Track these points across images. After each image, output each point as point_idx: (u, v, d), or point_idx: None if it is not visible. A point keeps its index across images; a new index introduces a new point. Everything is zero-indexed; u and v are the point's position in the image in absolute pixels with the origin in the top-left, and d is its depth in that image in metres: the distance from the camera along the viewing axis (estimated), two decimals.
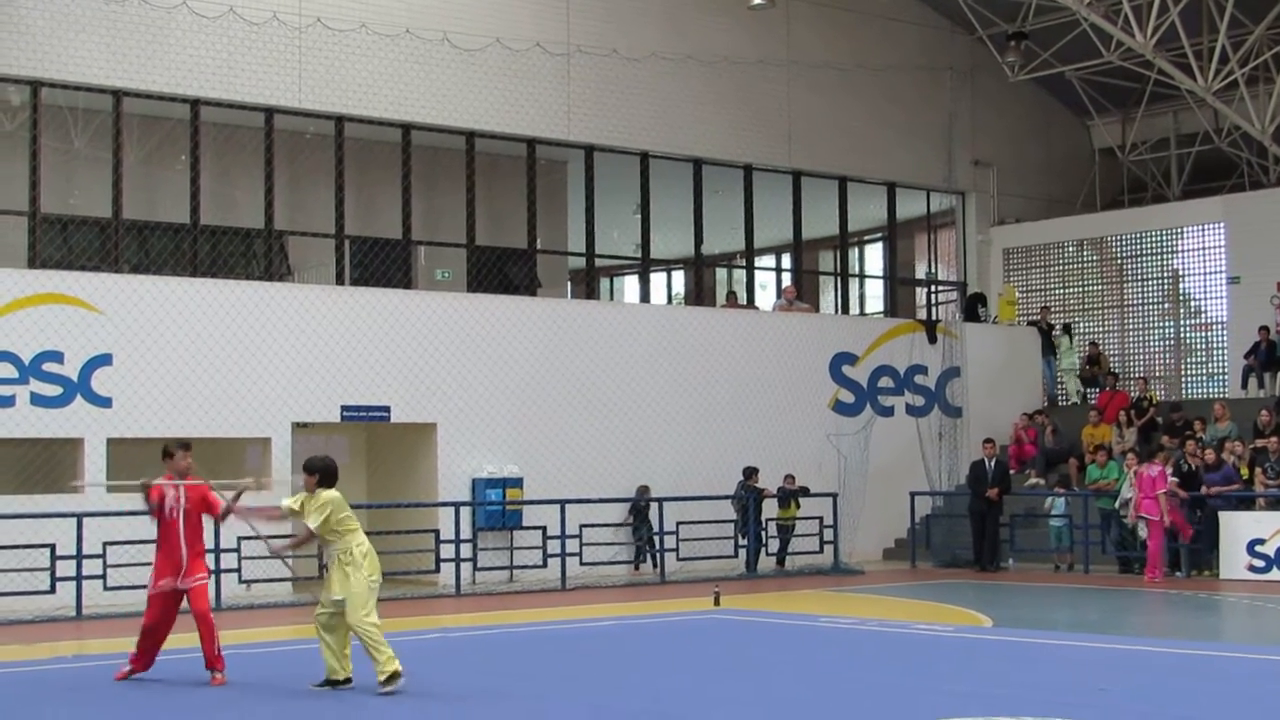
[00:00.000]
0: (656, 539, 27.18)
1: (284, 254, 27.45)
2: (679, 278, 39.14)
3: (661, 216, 31.25)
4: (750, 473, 28.14)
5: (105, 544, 21.68)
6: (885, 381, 31.81)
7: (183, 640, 14.56)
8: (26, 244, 24.51)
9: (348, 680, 13.55)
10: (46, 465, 23.59)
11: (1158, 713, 12.02)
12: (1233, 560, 25.36)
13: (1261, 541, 25.09)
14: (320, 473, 13.84)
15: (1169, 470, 25.98)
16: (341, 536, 13.56)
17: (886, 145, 33.52)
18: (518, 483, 26.63)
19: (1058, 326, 34.68)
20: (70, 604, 21.35)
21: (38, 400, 23.00)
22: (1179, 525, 25.80)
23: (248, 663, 14.60)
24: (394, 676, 13.09)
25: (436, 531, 25.14)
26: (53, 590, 21.68)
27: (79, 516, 21.50)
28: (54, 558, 21.69)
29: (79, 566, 21.39)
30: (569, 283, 33.28)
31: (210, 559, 22.04)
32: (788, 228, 33.04)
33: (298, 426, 25.40)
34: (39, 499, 22.70)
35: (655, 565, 27.34)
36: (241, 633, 18.48)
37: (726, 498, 28.25)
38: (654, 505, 27.26)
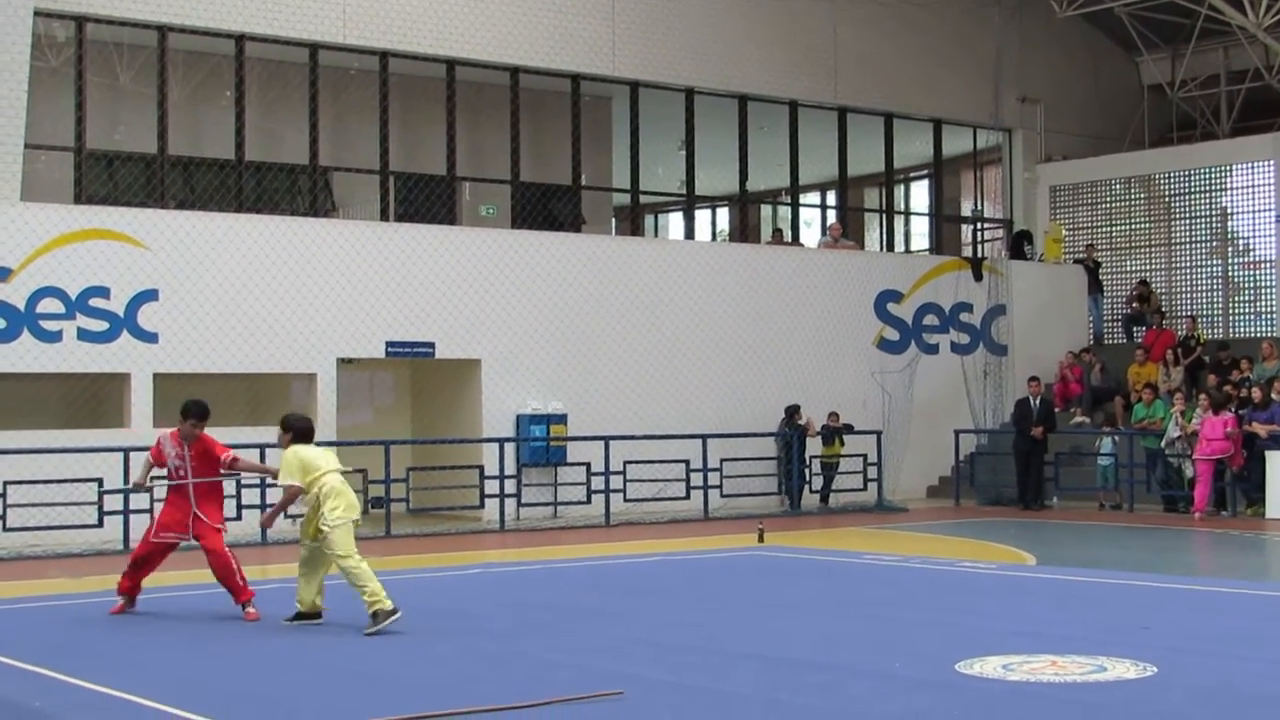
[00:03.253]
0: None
1: (329, 190, 27.48)
2: (724, 214, 39.07)
3: (706, 153, 31.15)
4: (793, 410, 28.15)
5: (152, 478, 21.71)
6: (930, 319, 31.70)
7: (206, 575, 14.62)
8: (73, 180, 24.61)
9: (317, 615, 13.66)
10: (94, 400, 23.77)
11: (1201, 650, 11.99)
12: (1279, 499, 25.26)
13: None
14: (294, 431, 13.95)
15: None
16: (310, 486, 13.60)
17: (932, 82, 33.29)
18: (562, 419, 26.68)
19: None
20: (117, 538, 21.48)
21: (84, 336, 23.11)
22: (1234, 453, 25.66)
23: (276, 598, 14.65)
24: (380, 614, 12.97)
25: (481, 467, 25.23)
26: (100, 524, 21.83)
27: (125, 451, 21.58)
28: (101, 492, 21.84)
29: (126, 500, 21.51)
30: (613, 219, 33.20)
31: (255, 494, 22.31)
32: (833, 164, 32.89)
33: (343, 362, 25.48)
34: (86, 434, 22.85)
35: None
36: (271, 568, 18.60)
37: (771, 435, 28.28)
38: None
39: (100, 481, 21.79)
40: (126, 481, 21.27)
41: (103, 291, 23.28)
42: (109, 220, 23.54)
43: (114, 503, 21.73)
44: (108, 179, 25.51)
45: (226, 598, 14.32)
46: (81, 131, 24.49)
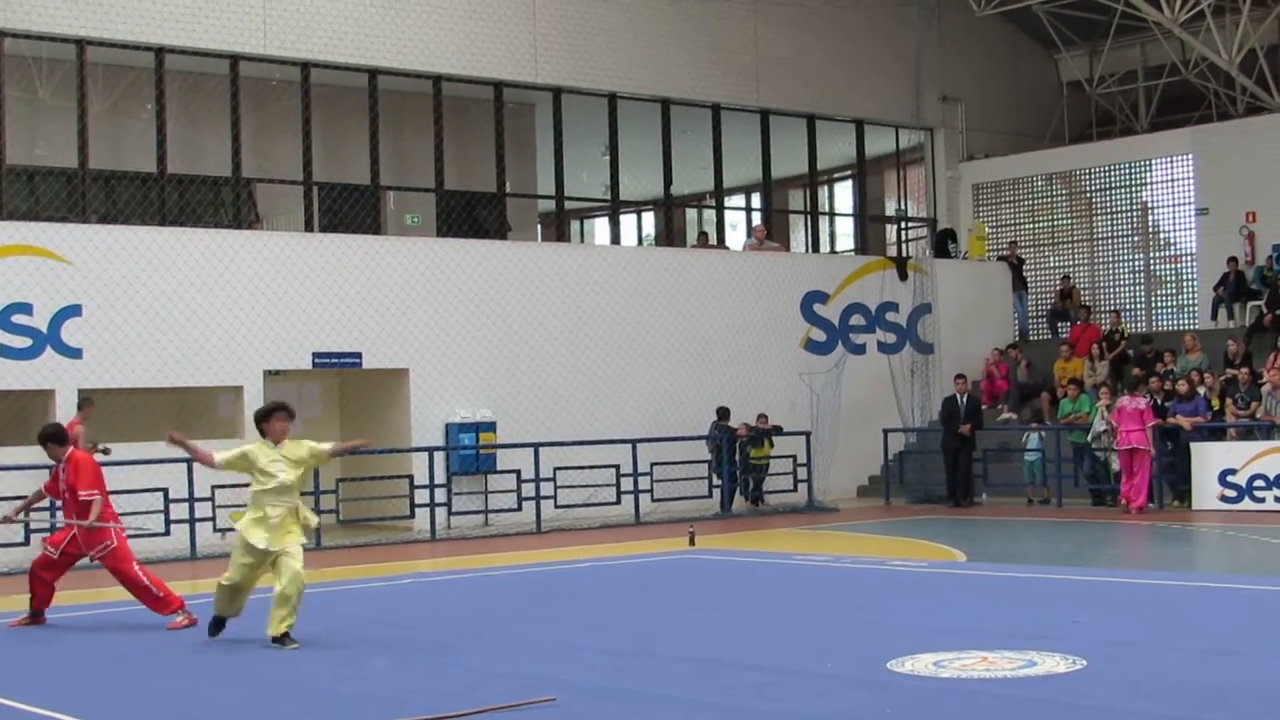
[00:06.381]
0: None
1: (252, 201, 27.33)
2: (649, 219, 39.10)
3: (630, 158, 31.16)
4: (724, 413, 28.21)
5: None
6: (857, 319, 31.84)
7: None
8: None
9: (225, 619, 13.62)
10: (18, 418, 23.52)
11: (1130, 643, 12.09)
12: (1204, 491, 25.50)
13: (1233, 472, 25.22)
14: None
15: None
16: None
17: (854, 82, 33.41)
18: (491, 427, 26.64)
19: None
20: None
21: (7, 352, 22.90)
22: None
23: (208, 611, 14.56)
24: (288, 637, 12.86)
25: (410, 477, 25.17)
26: (26, 542, 21.60)
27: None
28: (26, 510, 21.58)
29: (52, 519, 21.29)
30: (539, 226, 33.19)
31: (185, 508, 22.29)
32: (757, 167, 32.98)
33: (269, 374, 25.34)
34: (10, 451, 22.60)
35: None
36: (200, 582, 18.46)
37: (701, 438, 28.31)
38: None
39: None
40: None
41: (25, 308, 23.07)
42: (30, 236, 23.34)
43: (39, 520, 21.51)
44: (28, 194, 25.30)
45: (147, 613, 14.46)
46: (1, 146, 24.26)
